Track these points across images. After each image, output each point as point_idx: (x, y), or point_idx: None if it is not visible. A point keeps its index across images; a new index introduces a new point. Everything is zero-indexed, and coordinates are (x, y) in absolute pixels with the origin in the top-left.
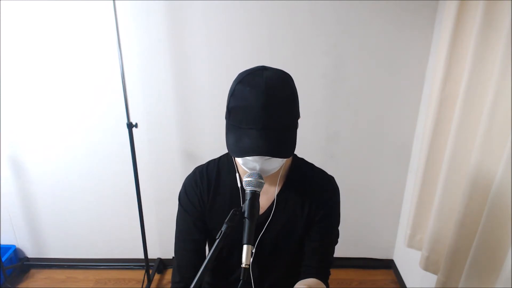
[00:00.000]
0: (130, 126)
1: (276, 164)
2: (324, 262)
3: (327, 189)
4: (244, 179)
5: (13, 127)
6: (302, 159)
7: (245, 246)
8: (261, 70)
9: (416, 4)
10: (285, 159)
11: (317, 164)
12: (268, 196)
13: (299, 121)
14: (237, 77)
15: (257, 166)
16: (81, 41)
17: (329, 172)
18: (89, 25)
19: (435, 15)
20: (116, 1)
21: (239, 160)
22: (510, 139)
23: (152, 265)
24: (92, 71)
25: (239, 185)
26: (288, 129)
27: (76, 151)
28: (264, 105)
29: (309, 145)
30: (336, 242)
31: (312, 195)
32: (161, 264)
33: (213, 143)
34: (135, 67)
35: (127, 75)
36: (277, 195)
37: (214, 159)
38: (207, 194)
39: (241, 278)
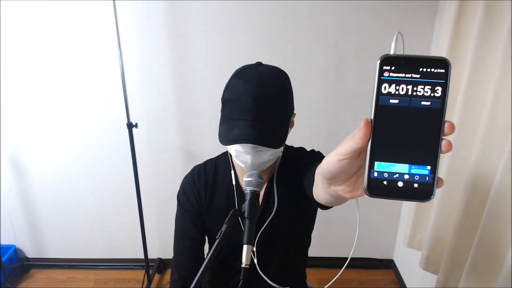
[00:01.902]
0: (130, 126)
1: (266, 157)
2: None
3: (304, 154)
4: (244, 179)
5: (13, 127)
6: (288, 148)
7: (245, 246)
8: (255, 66)
9: (416, 4)
10: (276, 153)
11: None
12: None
13: (299, 120)
14: (233, 72)
15: (249, 159)
16: (81, 41)
17: None
18: (89, 25)
19: (435, 15)
20: (116, 1)
21: (231, 153)
22: (510, 139)
23: (152, 265)
24: (92, 71)
25: (233, 182)
26: (278, 122)
27: (76, 151)
28: (254, 97)
29: (309, 145)
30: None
31: (299, 170)
32: (161, 264)
33: (213, 143)
34: (135, 67)
35: (127, 75)
36: (269, 190)
37: (212, 158)
38: (205, 192)
39: (241, 278)
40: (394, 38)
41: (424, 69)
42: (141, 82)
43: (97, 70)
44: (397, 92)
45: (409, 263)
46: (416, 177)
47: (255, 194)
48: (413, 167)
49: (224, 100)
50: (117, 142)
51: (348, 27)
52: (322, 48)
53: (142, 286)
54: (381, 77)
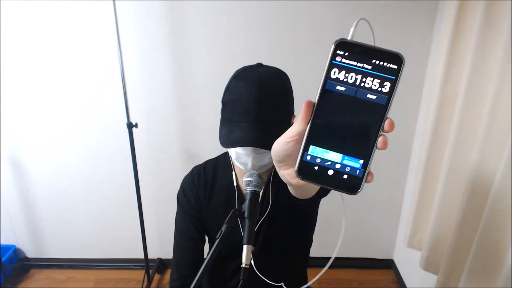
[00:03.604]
0: (130, 126)
1: (267, 159)
2: None
3: None
4: (244, 179)
5: (13, 127)
6: None
7: (245, 246)
8: (256, 67)
9: (416, 4)
10: None
11: None
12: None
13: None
14: (234, 73)
15: (249, 161)
16: (81, 41)
17: None
18: (89, 25)
19: (435, 15)
20: (116, 1)
21: (232, 154)
22: (510, 139)
23: (152, 265)
24: (92, 71)
25: (235, 183)
26: (280, 124)
27: (76, 151)
28: (256, 99)
29: None
30: None
31: None
32: (161, 264)
33: (213, 143)
34: (135, 67)
35: (127, 75)
36: (267, 191)
37: (212, 159)
38: (204, 192)
39: (241, 278)
40: (354, 23)
41: (377, 62)
42: (141, 82)
43: (97, 70)
44: (345, 80)
45: (409, 263)
46: (347, 169)
47: (255, 194)
48: (346, 157)
49: (225, 102)
50: (117, 142)
51: (348, 27)
52: (322, 48)
53: (142, 286)
54: (333, 61)
